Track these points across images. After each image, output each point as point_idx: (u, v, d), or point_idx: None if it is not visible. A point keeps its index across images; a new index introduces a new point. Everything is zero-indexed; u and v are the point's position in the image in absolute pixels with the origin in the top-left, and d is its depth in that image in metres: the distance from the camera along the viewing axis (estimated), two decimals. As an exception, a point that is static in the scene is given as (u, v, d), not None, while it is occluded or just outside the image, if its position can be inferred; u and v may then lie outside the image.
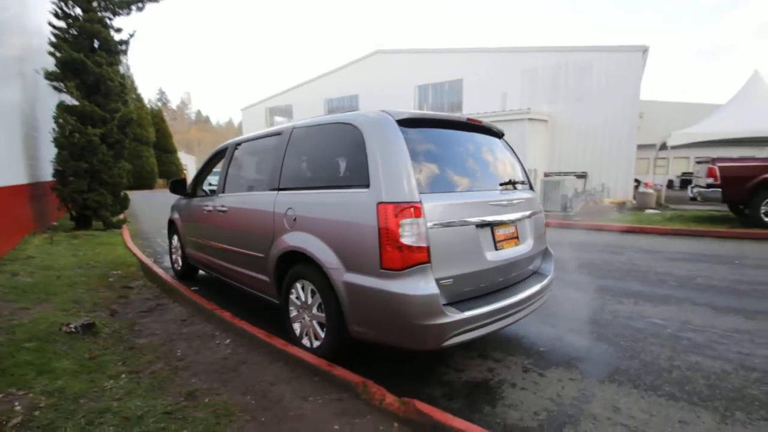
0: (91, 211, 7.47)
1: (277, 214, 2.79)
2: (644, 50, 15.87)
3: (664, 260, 5.61)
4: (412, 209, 2.06)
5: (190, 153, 54.26)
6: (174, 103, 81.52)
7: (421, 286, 2.02)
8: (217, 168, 4.31)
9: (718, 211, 10.32)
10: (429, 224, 2.09)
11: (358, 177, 2.28)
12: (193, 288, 4.30)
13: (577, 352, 2.80)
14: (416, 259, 2.04)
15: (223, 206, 3.52)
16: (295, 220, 2.62)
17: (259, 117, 27.55)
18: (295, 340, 2.72)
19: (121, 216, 8.68)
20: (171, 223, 4.96)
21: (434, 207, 2.14)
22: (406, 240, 2.04)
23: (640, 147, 16.56)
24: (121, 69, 8.07)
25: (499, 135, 2.99)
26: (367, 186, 2.21)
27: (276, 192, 2.88)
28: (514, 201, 2.63)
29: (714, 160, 7.81)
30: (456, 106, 19.59)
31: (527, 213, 2.75)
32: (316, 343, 2.59)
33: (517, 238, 2.63)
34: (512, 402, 2.20)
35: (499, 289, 2.48)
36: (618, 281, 4.57)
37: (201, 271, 4.90)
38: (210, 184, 4.77)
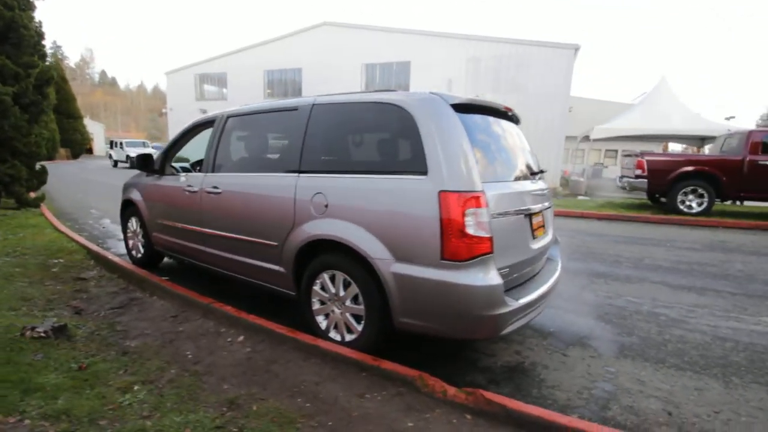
0: (1, 185, 6.20)
1: (299, 199, 2.55)
2: (576, 48, 17.21)
3: (612, 243, 6.27)
4: (477, 198, 2.01)
5: (95, 119, 47.67)
6: (72, 60, 70.29)
7: (485, 277, 2.00)
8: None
9: (638, 199, 11.77)
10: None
11: (412, 163, 2.16)
12: (164, 278, 3.82)
13: (583, 331, 3.02)
14: (480, 250, 2.01)
15: (215, 188, 3.13)
16: (326, 206, 2.42)
17: (187, 84, 24.98)
18: (320, 334, 2.56)
19: (37, 193, 7.35)
20: (127, 205, 4.32)
21: (492, 196, 2.11)
22: (471, 230, 1.99)
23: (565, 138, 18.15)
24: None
25: (518, 122, 3.02)
26: (425, 173, 2.10)
27: (296, 175, 2.62)
28: (544, 190, 2.70)
29: (642, 154, 8.82)
30: (404, 89, 19.60)
31: (549, 202, 2.85)
32: (349, 337, 2.46)
33: (543, 226, 2.72)
34: (553, 383, 2.31)
35: (532, 277, 2.57)
36: (583, 263, 5.01)
37: (166, 259, 4.36)
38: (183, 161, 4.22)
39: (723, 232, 7.32)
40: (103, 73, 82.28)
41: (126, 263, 4.03)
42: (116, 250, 5.03)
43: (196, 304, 3.08)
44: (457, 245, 1.99)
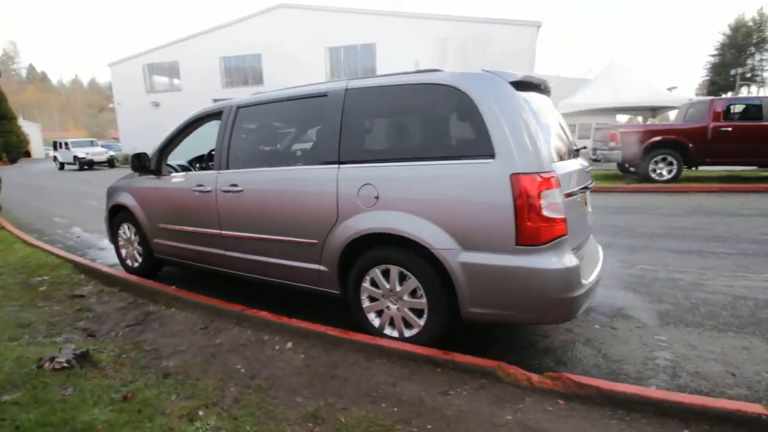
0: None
1: (343, 192, 2.38)
2: (538, 26, 17.53)
3: (602, 214, 6.49)
4: (550, 179, 1.95)
5: (29, 119, 43.46)
6: (-7, 55, 63.34)
7: (563, 259, 1.96)
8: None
9: (609, 170, 12.30)
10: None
11: (475, 146, 2.05)
12: (171, 287, 3.51)
13: (618, 303, 3.09)
14: (557, 232, 1.95)
15: (233, 186, 2.87)
16: (377, 198, 2.27)
17: (134, 75, 23.19)
18: (374, 332, 2.45)
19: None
20: (117, 210, 3.93)
21: (560, 176, 2.05)
22: (547, 212, 1.93)
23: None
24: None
25: (549, 94, 2.91)
26: (492, 156, 2.00)
27: (336, 166, 2.44)
28: (587, 167, 2.68)
29: (616, 127, 9.18)
30: (370, 72, 19.22)
31: (592, 179, 2.84)
32: (408, 332, 2.36)
33: (587, 203, 2.71)
34: (616, 357, 2.34)
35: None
36: (586, 236, 5.16)
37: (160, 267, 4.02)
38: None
39: (694, 196, 7.80)
40: (31, 68, 74.80)
41: (129, 275, 3.67)
42: (103, 260, 4.60)
43: (225, 312, 2.85)
44: (533, 229, 1.92)
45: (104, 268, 3.83)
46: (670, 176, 8.84)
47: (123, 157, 23.37)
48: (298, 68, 19.65)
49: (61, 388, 2.02)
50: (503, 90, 2.05)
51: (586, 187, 2.53)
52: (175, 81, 23.10)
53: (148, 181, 3.57)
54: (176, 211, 3.33)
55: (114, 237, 4.05)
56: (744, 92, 44.04)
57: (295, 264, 2.70)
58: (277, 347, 2.43)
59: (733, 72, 36.34)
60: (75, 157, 20.20)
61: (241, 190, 2.84)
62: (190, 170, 3.86)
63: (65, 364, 2.17)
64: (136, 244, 3.87)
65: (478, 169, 2.02)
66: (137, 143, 23.24)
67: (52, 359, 2.19)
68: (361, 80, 2.49)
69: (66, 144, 21.28)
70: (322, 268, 2.58)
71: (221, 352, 2.41)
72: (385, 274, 2.36)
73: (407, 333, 2.36)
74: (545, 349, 2.46)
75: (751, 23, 46.02)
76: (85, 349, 2.31)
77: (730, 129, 8.39)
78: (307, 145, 2.72)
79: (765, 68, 47.01)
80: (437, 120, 2.23)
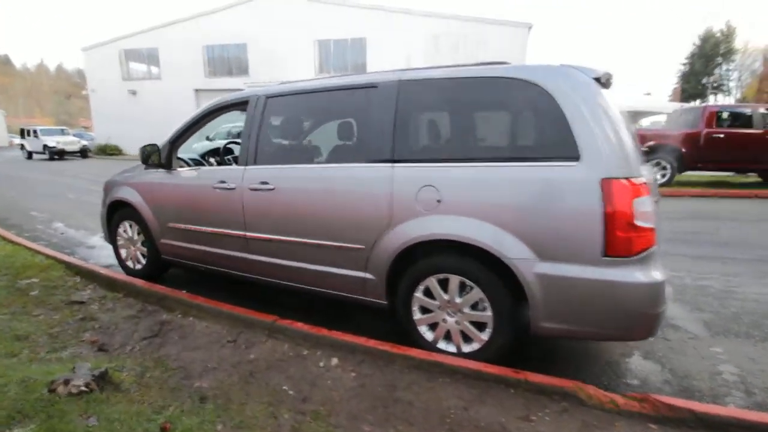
0: None
1: (398, 194, 2.17)
2: (529, 27, 17.65)
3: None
4: (643, 185, 1.80)
5: (-10, 104, 40.80)
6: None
7: (652, 272, 1.82)
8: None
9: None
10: None
11: (556, 147, 1.88)
12: (182, 291, 3.21)
13: (659, 312, 3.01)
14: (647, 243, 1.81)
15: (264, 183, 2.61)
16: (439, 201, 2.07)
17: (110, 61, 22.03)
18: (427, 346, 2.26)
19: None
20: (118, 206, 3.58)
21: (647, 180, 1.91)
22: (640, 221, 1.78)
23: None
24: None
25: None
26: (576, 158, 1.83)
27: (388, 165, 2.22)
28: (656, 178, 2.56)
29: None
30: (360, 68, 18.89)
31: None
32: (467, 348, 2.18)
33: None
34: (681, 372, 2.24)
35: None
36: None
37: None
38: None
39: (690, 201, 7.96)
40: (-9, 49, 70.11)
41: (134, 278, 3.33)
42: (96, 260, 4.21)
43: (254, 323, 2.58)
44: (624, 240, 1.77)
45: (104, 271, 3.47)
46: (663, 180, 9.00)
47: (97, 147, 22.18)
48: (285, 60, 19.12)
49: (82, 418, 1.73)
50: (588, 86, 1.88)
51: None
52: (154, 69, 22.06)
53: (157, 176, 3.24)
54: (191, 210, 3.02)
55: (113, 236, 3.69)
56: (712, 100, 46.13)
57: (334, 271, 2.47)
58: (322, 364, 2.20)
59: (704, 81, 37.98)
60: (45, 146, 18.97)
61: (273, 188, 2.58)
62: (202, 165, 3.55)
63: (83, 388, 1.88)
64: (139, 245, 3.53)
65: (562, 172, 1.85)
66: (112, 132, 22.16)
67: (66, 382, 1.89)
68: (415, 71, 2.28)
69: (35, 132, 19.97)
70: (367, 275, 2.36)
71: (259, 369, 2.16)
72: (443, 283, 2.17)
73: (466, 348, 2.18)
74: (607, 364, 2.33)
75: (719, 34, 48.12)
76: (103, 369, 2.01)
77: (722, 135, 8.62)
78: (353, 141, 2.48)
79: (731, 78, 49.35)
80: (509, 117, 2.05)
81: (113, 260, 4.15)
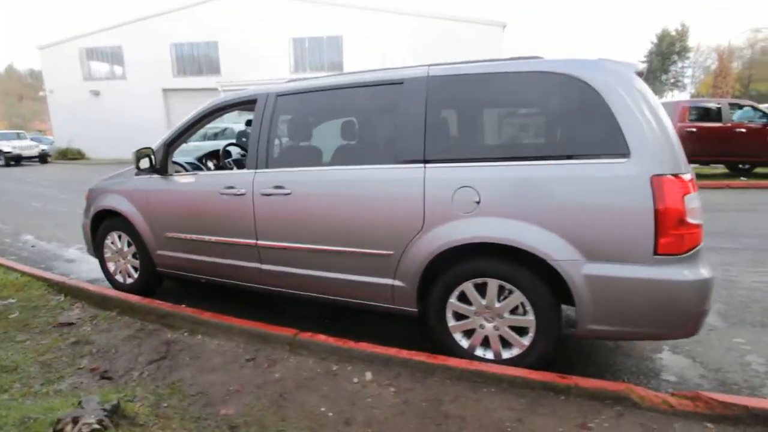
0: None
1: (432, 196, 2.05)
2: (503, 26, 17.91)
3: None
4: (692, 182, 1.77)
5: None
6: None
7: (700, 269, 1.79)
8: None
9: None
10: None
11: (603, 144, 1.82)
12: (182, 305, 2.98)
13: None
14: (697, 241, 1.78)
15: (279, 188, 2.43)
16: (478, 202, 1.97)
17: (70, 61, 20.75)
18: (463, 354, 2.16)
19: None
20: (104, 216, 3.29)
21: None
22: (691, 219, 1.74)
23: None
24: None
25: None
26: (625, 155, 1.77)
27: (420, 166, 2.10)
28: None
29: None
30: (337, 66, 18.61)
31: None
32: (506, 353, 2.09)
33: None
34: (714, 365, 2.25)
35: None
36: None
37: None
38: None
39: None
40: (-71, 48, 64.64)
41: (128, 294, 3.05)
42: (78, 275, 3.88)
43: (271, 337, 2.40)
44: (676, 238, 1.72)
45: (92, 287, 3.17)
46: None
47: (57, 151, 20.86)
48: (259, 59, 18.58)
49: (100, 460, 1.52)
50: (633, 81, 1.83)
51: None
52: (118, 68, 20.95)
53: (151, 182, 2.98)
54: (194, 218, 2.80)
55: (98, 248, 3.39)
56: (669, 96, 48.53)
57: (357, 279, 2.33)
58: (356, 379, 2.06)
59: (663, 78, 39.96)
60: (0, 152, 17.66)
61: (289, 193, 2.40)
62: (201, 169, 3.31)
63: (96, 426, 1.65)
64: (130, 257, 3.25)
65: (611, 169, 1.78)
66: (73, 135, 20.88)
67: (75, 420, 1.66)
68: (443, 67, 2.17)
69: (-14, 136, 18.55)
70: (396, 282, 2.23)
71: (288, 390, 1.99)
72: (479, 288, 2.08)
73: (505, 354, 2.09)
74: (639, 361, 2.31)
75: (674, 33, 50.67)
76: (115, 401, 1.79)
77: (694, 129, 9.00)
78: (377, 141, 2.35)
79: (686, 75, 52.07)
80: (551, 113, 1.96)
81: (98, 274, 3.84)
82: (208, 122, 2.94)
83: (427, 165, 2.09)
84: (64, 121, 21.37)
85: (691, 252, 1.76)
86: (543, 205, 1.88)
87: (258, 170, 2.54)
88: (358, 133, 2.44)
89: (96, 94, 20.80)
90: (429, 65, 2.21)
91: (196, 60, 20.13)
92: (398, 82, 2.21)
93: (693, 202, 1.75)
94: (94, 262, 4.12)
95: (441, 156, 2.08)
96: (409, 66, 2.26)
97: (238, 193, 2.56)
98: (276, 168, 2.50)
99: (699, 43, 50.04)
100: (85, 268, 4.10)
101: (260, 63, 18.41)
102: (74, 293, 3.17)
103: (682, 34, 51.63)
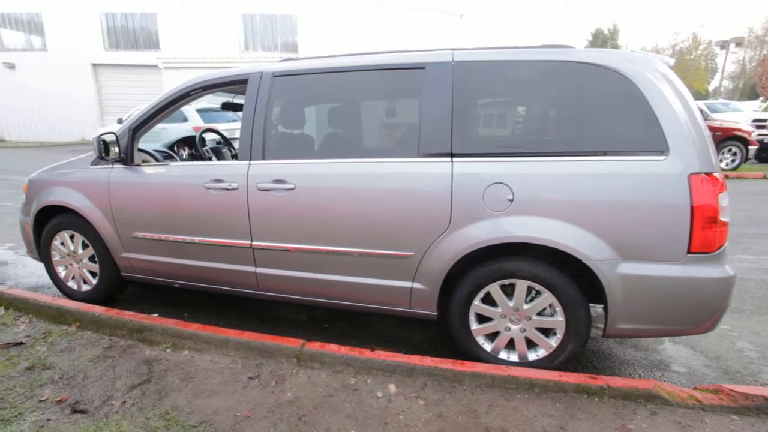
0: None
1: (461, 192, 1.90)
2: (460, 15, 18.03)
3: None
4: (723, 180, 1.77)
5: None
6: None
7: (726, 267, 1.81)
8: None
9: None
10: None
11: (645, 140, 1.76)
12: (154, 315, 2.61)
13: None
14: (725, 238, 1.80)
15: (280, 182, 2.15)
16: (511, 200, 1.85)
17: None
18: (487, 358, 2.07)
19: None
20: (51, 213, 2.78)
21: None
22: (723, 217, 1.75)
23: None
24: None
25: None
26: (663, 152, 1.73)
27: (446, 160, 1.94)
28: None
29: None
30: (291, 47, 17.72)
31: None
32: (533, 355, 2.03)
33: None
34: (713, 353, 2.36)
35: None
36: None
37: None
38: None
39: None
40: None
41: (90, 305, 2.60)
42: (15, 281, 3.31)
43: (273, 350, 2.15)
44: (710, 235, 1.73)
45: (43, 297, 2.67)
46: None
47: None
48: (204, 34, 17.19)
49: None
50: (671, 76, 1.79)
51: None
52: (37, 39, 18.38)
53: (114, 173, 2.54)
54: (169, 216, 2.42)
55: (44, 250, 2.87)
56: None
57: (372, 282, 2.14)
58: (380, 394, 1.89)
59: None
60: None
61: (293, 188, 2.13)
62: (173, 158, 2.88)
63: (84, 479, 1.34)
64: (86, 260, 2.79)
65: (651, 167, 1.74)
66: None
67: (55, 474, 1.34)
68: (470, 52, 2.00)
69: None
70: (416, 285, 2.07)
71: (307, 411, 1.78)
72: (506, 289, 1.98)
73: (532, 356, 2.03)
74: (646, 353, 2.36)
75: (606, 32, 54.29)
76: (102, 444, 1.47)
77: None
78: (397, 132, 2.14)
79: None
80: (587, 106, 1.87)
81: (40, 280, 3.33)
82: (185, 104, 2.54)
83: (455, 159, 1.93)
84: (-32, 97, 18.47)
85: (721, 250, 1.78)
86: (580, 202, 1.80)
87: (253, 162, 2.23)
88: (376, 123, 2.22)
89: (11, 67, 18.14)
90: (453, 49, 2.03)
91: (131, 32, 18.19)
92: (419, 67, 2.01)
93: (725, 200, 1.76)
94: (35, 264, 3.58)
95: (469, 150, 1.93)
96: (429, 50, 2.06)
97: (229, 187, 2.24)
98: (274, 160, 2.21)
99: (626, 44, 54.04)
100: (22, 273, 3.50)
101: (206, 39, 17.03)
102: (17, 305, 2.66)
103: (614, 34, 55.41)
